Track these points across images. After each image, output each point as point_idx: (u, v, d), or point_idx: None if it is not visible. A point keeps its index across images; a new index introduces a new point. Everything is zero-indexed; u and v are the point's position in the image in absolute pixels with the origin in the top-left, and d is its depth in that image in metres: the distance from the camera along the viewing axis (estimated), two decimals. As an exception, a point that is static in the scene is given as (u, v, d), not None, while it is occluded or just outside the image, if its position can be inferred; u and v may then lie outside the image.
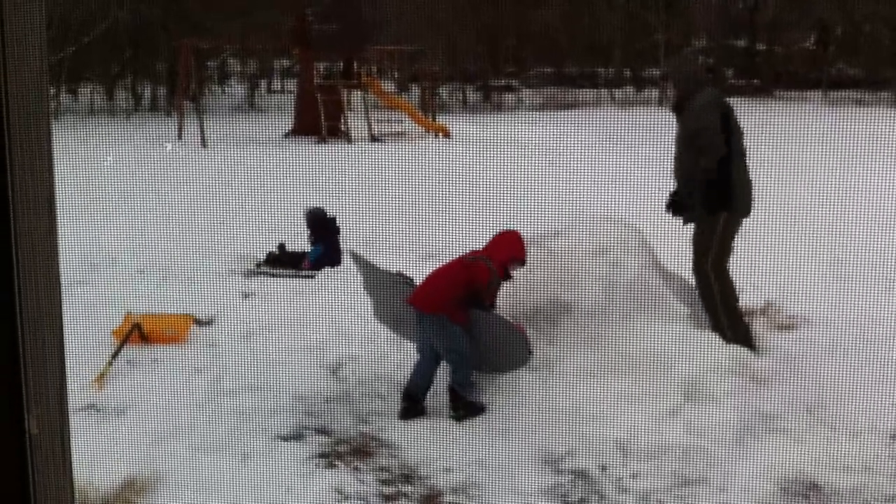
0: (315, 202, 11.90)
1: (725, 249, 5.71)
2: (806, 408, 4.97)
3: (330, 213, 9.15)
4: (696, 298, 5.90)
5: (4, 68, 1.23)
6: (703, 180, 5.54)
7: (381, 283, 5.71)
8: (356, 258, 5.87)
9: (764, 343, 5.88)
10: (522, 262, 5.40)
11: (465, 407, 5.10)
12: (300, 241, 9.45)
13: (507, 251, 5.34)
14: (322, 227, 8.98)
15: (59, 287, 1.33)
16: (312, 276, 8.27)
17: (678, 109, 5.78)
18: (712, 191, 5.54)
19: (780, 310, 6.85)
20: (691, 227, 5.77)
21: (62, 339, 1.34)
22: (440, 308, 5.18)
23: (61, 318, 1.34)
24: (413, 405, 5.19)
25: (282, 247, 9.05)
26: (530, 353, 5.35)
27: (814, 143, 14.58)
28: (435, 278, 5.40)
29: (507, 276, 5.38)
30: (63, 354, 1.34)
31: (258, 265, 8.86)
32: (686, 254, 5.86)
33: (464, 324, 5.21)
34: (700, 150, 5.51)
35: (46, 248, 1.31)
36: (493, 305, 5.40)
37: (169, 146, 20.22)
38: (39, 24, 1.30)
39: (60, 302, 1.33)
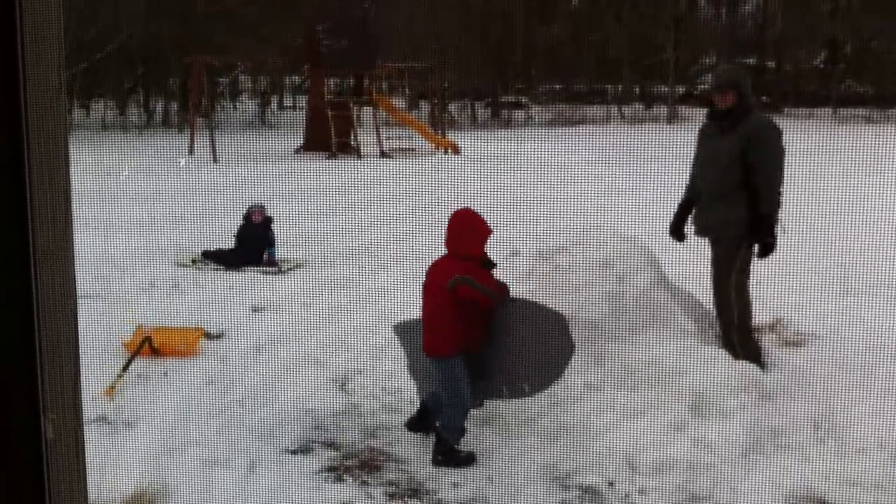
0: (325, 217, 11.98)
1: (747, 268, 5.72)
2: (814, 424, 4.96)
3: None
4: (704, 314, 5.91)
5: (24, 69, 1.27)
6: (755, 205, 5.44)
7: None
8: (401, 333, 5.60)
9: (772, 359, 5.87)
10: (489, 234, 4.93)
11: (447, 454, 4.78)
12: (312, 252, 9.51)
13: (469, 239, 4.87)
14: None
15: (75, 291, 1.36)
16: (284, 272, 9.10)
17: (728, 124, 5.53)
18: (763, 216, 5.45)
19: (789, 326, 6.86)
20: (699, 240, 5.77)
21: (77, 345, 1.37)
22: (445, 349, 4.83)
23: (76, 323, 1.37)
24: (424, 420, 5.08)
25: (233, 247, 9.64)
26: (573, 345, 5.08)
27: (823, 161, 14.57)
28: (430, 320, 4.94)
29: (489, 262, 4.97)
30: (78, 360, 1.37)
31: (193, 261, 9.36)
32: (693, 269, 5.87)
33: (478, 344, 4.97)
34: (767, 175, 5.42)
35: (62, 254, 1.34)
36: (504, 292, 4.99)
37: (182, 161, 20.36)
38: (57, 32, 1.33)
39: (76, 307, 1.37)
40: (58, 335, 1.35)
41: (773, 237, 5.46)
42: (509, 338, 5.08)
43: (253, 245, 9.45)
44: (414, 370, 5.53)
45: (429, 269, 5.03)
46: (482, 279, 4.84)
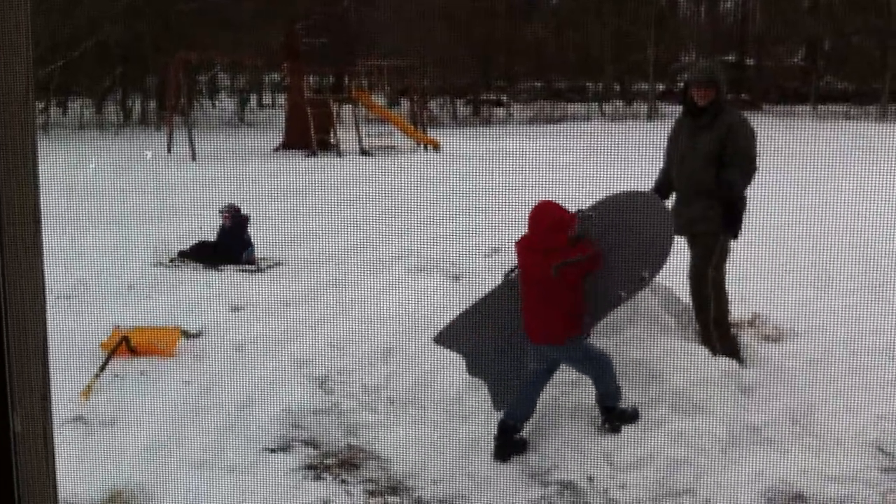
0: (305, 215, 11.94)
1: (723, 263, 5.75)
2: (792, 419, 4.99)
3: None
4: (683, 310, 5.92)
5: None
6: (729, 201, 5.50)
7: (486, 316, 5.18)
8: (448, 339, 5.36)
9: (751, 355, 5.90)
10: (572, 222, 4.73)
11: (619, 417, 4.85)
12: (292, 251, 9.47)
13: (552, 233, 4.64)
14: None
15: (43, 283, 1.35)
16: (263, 270, 9.16)
17: (707, 121, 5.51)
18: (736, 211, 5.53)
19: (768, 322, 6.89)
20: (677, 237, 5.77)
21: (45, 341, 1.36)
22: (571, 331, 4.69)
23: (45, 319, 1.35)
24: (511, 439, 4.79)
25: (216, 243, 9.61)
26: (669, 211, 5.11)
27: (801, 157, 14.66)
28: (541, 309, 4.73)
29: (578, 239, 4.74)
30: (46, 355, 1.36)
31: (171, 260, 9.31)
32: (672, 265, 5.88)
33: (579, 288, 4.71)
34: (741, 171, 5.46)
35: (30, 247, 1.33)
36: (595, 260, 4.73)
37: (149, 154, 20.27)
38: (25, 36, 1.32)
39: (44, 302, 1.35)
40: (26, 327, 1.34)
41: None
42: (616, 234, 5.05)
43: (231, 245, 9.38)
44: (484, 372, 5.18)
45: (520, 256, 4.82)
46: (576, 252, 4.66)
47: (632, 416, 4.90)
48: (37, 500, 1.37)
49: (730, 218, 5.52)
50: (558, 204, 4.74)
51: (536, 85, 40.55)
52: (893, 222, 9.08)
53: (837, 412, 5.00)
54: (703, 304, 5.71)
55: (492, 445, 4.79)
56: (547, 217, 4.68)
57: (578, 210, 5.06)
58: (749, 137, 5.52)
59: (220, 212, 9.60)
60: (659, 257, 5.07)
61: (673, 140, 5.84)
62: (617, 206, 5.26)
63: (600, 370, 4.85)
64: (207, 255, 9.29)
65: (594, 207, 5.33)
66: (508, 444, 4.76)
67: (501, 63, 40.06)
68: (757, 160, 5.54)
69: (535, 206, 4.75)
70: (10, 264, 1.30)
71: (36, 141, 1.36)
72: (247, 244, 9.45)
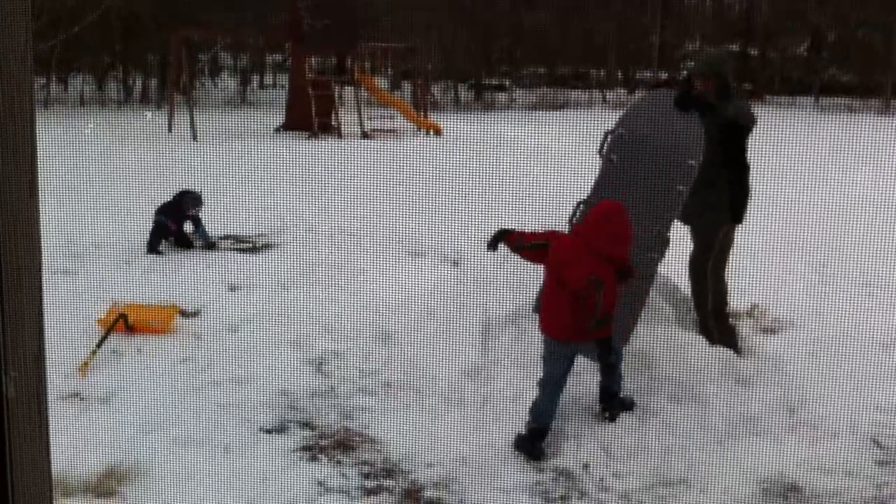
0: (304, 197, 11.92)
1: (726, 254, 5.74)
2: (788, 410, 4.99)
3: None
4: (682, 299, 5.92)
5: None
6: (728, 189, 5.49)
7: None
8: None
9: (748, 345, 5.90)
10: (631, 237, 4.46)
11: (620, 405, 4.84)
12: (290, 232, 9.45)
13: (618, 240, 4.39)
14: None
15: (40, 248, 1.34)
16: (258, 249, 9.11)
17: (705, 111, 5.37)
18: (737, 200, 5.54)
19: (766, 313, 6.88)
20: (678, 225, 5.75)
21: (41, 303, 1.35)
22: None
23: (41, 282, 1.35)
24: (542, 440, 4.66)
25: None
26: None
27: (802, 149, 14.64)
28: (560, 305, 4.51)
29: (625, 271, 4.47)
30: (42, 318, 1.35)
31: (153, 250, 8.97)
32: (671, 254, 5.87)
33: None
34: (738, 162, 5.48)
35: (27, 215, 1.33)
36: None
37: (148, 115, 20.16)
38: (24, 10, 1.31)
39: (41, 264, 1.34)
40: (21, 291, 1.33)
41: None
42: (652, 151, 5.09)
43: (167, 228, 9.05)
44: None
45: (558, 251, 4.52)
46: (609, 294, 4.30)
47: (629, 405, 4.91)
48: (29, 466, 1.36)
49: (740, 206, 5.52)
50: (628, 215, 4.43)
51: (539, 70, 40.41)
52: (892, 214, 9.05)
53: (833, 404, 5.00)
54: (702, 294, 5.71)
55: (490, 432, 4.79)
56: (620, 221, 4.36)
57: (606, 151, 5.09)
58: (750, 124, 5.49)
59: (184, 198, 9.16)
60: (691, 170, 5.11)
61: None
62: (644, 118, 5.26)
63: (617, 359, 4.84)
64: (161, 234, 8.99)
65: (621, 123, 5.33)
66: (540, 447, 4.63)
67: (504, 47, 39.91)
68: (747, 155, 5.53)
69: (609, 205, 4.45)
70: (6, 224, 1.30)
71: (34, 110, 1.35)
72: (193, 221, 9.15)
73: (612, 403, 4.86)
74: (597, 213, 4.48)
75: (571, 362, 4.71)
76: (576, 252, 4.43)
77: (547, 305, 4.66)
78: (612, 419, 4.81)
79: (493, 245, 4.79)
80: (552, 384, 4.67)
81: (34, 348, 1.36)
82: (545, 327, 4.64)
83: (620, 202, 4.50)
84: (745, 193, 5.58)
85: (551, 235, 4.67)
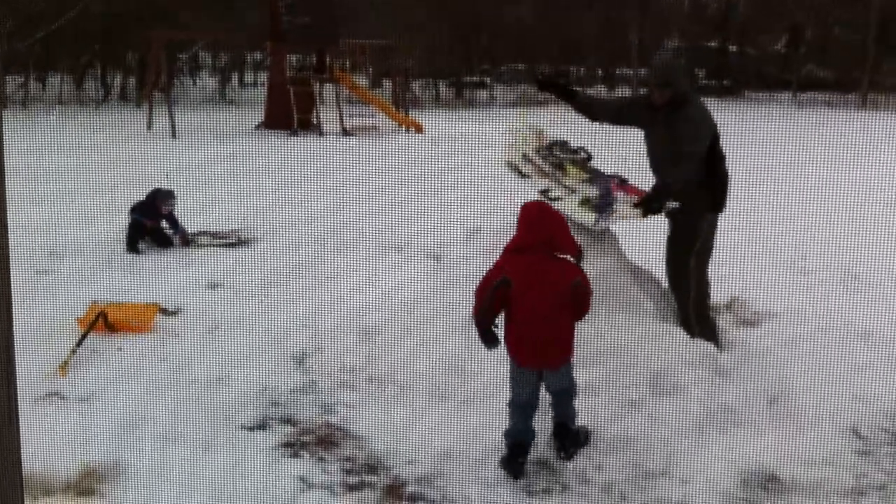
0: (285, 194, 11.88)
1: (709, 247, 5.76)
2: (768, 401, 5.02)
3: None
4: (663, 293, 5.93)
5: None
6: (697, 183, 5.50)
7: None
8: None
9: (729, 337, 5.93)
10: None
11: (580, 440, 4.59)
12: (271, 230, 9.42)
13: (566, 236, 4.32)
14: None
15: (7, 251, 1.32)
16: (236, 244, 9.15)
17: (669, 110, 5.42)
18: (709, 193, 5.55)
19: (745, 305, 6.92)
20: (656, 217, 5.75)
21: (10, 311, 1.33)
22: (570, 350, 4.39)
23: (9, 286, 1.33)
24: (524, 455, 4.48)
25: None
26: None
27: (781, 143, 14.74)
28: (547, 329, 4.32)
29: (580, 255, 4.40)
30: (11, 326, 1.33)
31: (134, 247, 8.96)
32: (652, 249, 5.89)
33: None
34: (713, 154, 5.52)
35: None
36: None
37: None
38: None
39: (8, 268, 1.33)
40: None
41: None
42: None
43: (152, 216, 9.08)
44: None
45: (516, 272, 4.25)
46: (585, 278, 4.35)
47: (585, 438, 4.64)
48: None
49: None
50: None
51: (519, 67, 40.43)
52: (869, 207, 9.14)
53: (813, 395, 5.03)
54: (681, 285, 5.73)
55: (473, 427, 4.78)
56: (558, 219, 4.29)
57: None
58: (700, 134, 5.46)
59: (158, 195, 9.18)
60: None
61: (645, 132, 5.75)
62: None
63: (573, 394, 4.58)
64: (139, 232, 9.00)
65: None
66: (518, 464, 4.44)
67: (484, 44, 39.91)
68: (720, 146, 5.56)
69: (532, 205, 4.37)
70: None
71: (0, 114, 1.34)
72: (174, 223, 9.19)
73: (568, 440, 4.57)
74: (528, 216, 4.30)
75: (537, 387, 4.50)
76: (533, 266, 4.25)
77: (513, 334, 4.40)
78: (570, 458, 4.52)
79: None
80: (520, 406, 4.50)
81: (4, 358, 1.34)
82: (512, 354, 4.46)
83: (540, 201, 4.54)
84: (723, 182, 5.61)
85: (487, 280, 4.35)
